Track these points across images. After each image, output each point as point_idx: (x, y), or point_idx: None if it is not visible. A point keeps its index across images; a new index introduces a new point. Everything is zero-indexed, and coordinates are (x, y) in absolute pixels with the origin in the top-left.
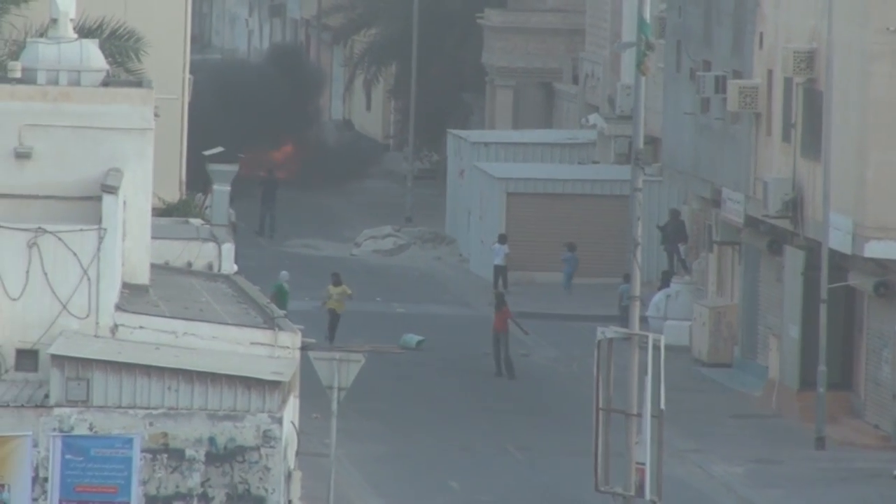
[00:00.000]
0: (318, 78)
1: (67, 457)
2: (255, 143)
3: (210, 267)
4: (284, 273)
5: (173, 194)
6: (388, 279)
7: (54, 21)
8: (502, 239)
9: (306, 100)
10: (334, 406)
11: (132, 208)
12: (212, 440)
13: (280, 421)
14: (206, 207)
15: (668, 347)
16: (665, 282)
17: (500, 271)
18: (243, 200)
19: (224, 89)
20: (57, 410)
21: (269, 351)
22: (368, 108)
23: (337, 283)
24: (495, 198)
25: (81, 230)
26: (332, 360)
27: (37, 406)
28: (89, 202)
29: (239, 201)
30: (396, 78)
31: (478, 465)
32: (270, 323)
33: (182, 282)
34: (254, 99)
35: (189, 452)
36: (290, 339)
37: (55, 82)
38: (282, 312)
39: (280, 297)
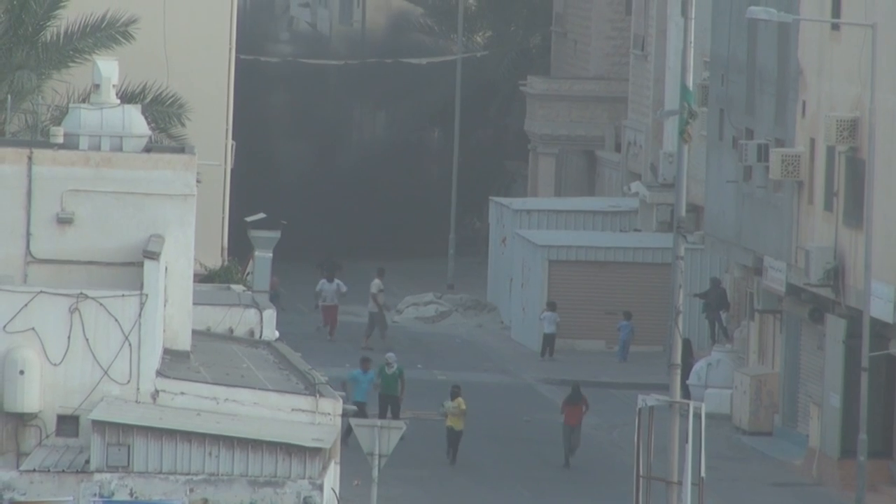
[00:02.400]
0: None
1: None
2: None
3: (251, 333)
4: (391, 354)
5: (215, 260)
6: (430, 346)
7: (97, 86)
8: (552, 307)
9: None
10: (375, 473)
11: (174, 274)
12: None
13: (321, 488)
14: (248, 274)
15: (708, 415)
16: (686, 351)
17: (549, 340)
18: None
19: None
20: (97, 476)
21: (311, 417)
22: None
23: (455, 395)
24: (537, 265)
25: (123, 296)
26: (374, 427)
27: (77, 471)
28: (131, 268)
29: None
30: (439, 144)
31: None
32: (311, 389)
33: (223, 348)
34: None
35: None
36: (332, 406)
37: (97, 148)
38: (322, 377)
39: (385, 382)
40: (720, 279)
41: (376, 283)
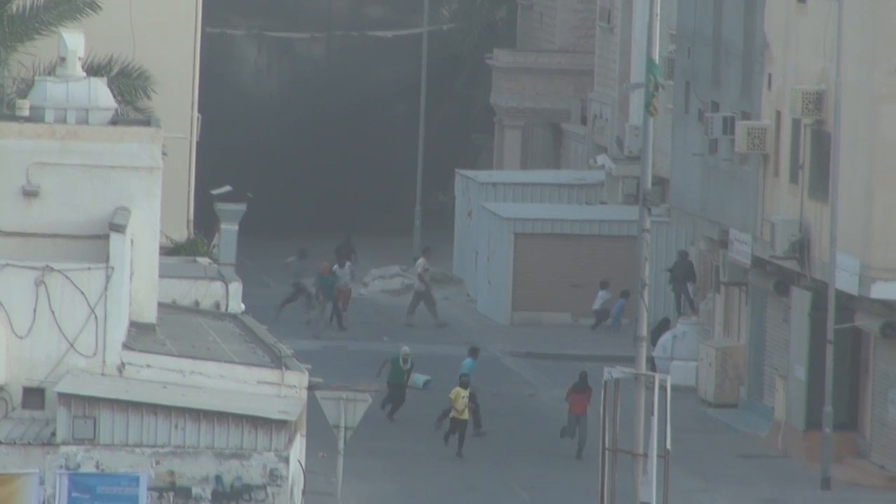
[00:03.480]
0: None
1: (74, 494)
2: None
3: (217, 306)
4: (405, 349)
5: (181, 233)
6: (396, 319)
7: (63, 59)
8: (603, 285)
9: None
10: (341, 445)
11: (140, 247)
12: (218, 479)
13: (287, 460)
14: (214, 246)
15: (674, 388)
16: (663, 329)
17: (598, 316)
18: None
19: None
20: (63, 448)
21: (277, 390)
22: None
23: (465, 385)
24: (503, 238)
25: (89, 269)
26: (339, 400)
27: (43, 444)
28: (97, 241)
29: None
30: (405, 117)
31: None
32: (277, 362)
33: (189, 321)
34: None
35: (195, 491)
36: (297, 379)
37: (63, 121)
38: (288, 350)
39: (394, 372)
40: (687, 252)
41: (421, 262)
